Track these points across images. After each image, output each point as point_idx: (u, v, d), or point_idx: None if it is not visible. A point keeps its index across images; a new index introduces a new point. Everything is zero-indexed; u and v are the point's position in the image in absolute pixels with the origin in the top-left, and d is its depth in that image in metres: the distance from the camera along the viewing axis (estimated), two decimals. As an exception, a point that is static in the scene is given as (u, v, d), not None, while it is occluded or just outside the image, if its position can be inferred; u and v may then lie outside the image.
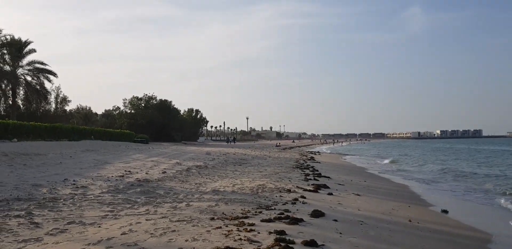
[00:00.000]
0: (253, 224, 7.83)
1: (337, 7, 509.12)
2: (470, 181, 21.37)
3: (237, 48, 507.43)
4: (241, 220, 8.21)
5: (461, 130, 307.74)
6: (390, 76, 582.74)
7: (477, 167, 31.56)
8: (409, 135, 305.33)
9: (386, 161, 39.44)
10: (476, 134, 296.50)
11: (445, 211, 11.61)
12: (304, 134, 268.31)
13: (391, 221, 9.49)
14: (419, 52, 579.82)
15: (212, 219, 8.26)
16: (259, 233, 7.15)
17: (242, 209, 9.28)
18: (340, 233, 7.69)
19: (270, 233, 7.20)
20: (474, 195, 15.85)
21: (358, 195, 13.38)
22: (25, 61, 45.74)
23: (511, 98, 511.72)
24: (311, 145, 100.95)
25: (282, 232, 7.21)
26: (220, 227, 7.48)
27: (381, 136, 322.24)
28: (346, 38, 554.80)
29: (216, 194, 11.26)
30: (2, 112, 46.67)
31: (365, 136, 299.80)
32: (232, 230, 7.23)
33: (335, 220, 8.77)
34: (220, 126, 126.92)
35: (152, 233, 6.95)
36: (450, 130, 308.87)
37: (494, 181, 20.72)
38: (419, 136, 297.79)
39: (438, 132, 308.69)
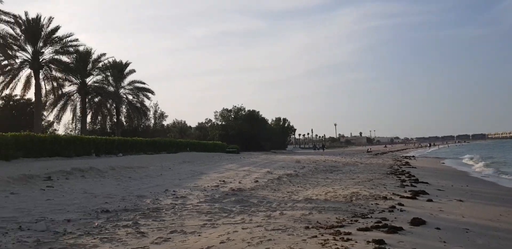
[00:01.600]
0: (349, 233, 7.68)
1: (424, 5, 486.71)
2: None
3: (322, 54, 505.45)
4: (336, 229, 8.10)
5: None
6: (486, 73, 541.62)
7: None
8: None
9: (487, 163, 36.50)
10: None
11: None
12: (397, 138, 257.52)
13: (500, 228, 8.75)
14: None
15: (307, 227, 8.24)
16: (356, 242, 6.99)
17: (336, 218, 9.15)
18: (444, 242, 7.25)
19: (368, 242, 7.01)
20: None
21: (461, 200, 12.52)
22: (126, 81, 49.68)
23: None
24: (405, 149, 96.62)
25: (381, 241, 6.98)
26: (316, 236, 7.44)
27: (481, 136, 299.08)
28: (436, 35, 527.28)
29: (309, 202, 11.22)
30: (109, 130, 50.87)
31: (463, 138, 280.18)
32: (328, 240, 7.15)
33: (438, 228, 8.29)
34: (308, 134, 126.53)
35: (249, 242, 7.10)
36: None
37: None
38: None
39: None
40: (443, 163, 38.37)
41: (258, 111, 66.64)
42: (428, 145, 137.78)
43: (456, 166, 34.50)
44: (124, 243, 7.09)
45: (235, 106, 65.35)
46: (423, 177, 20.25)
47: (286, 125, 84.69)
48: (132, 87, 49.74)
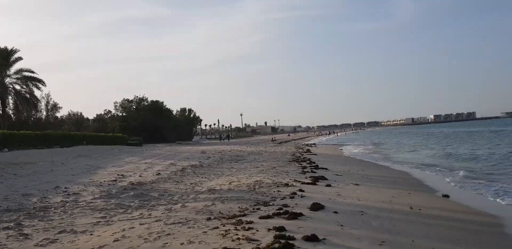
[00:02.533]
0: (251, 222, 7.57)
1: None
2: (470, 164, 21.24)
3: (226, 45, 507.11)
4: (238, 218, 7.95)
5: (454, 114, 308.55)
6: (380, 65, 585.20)
7: (477, 149, 31.47)
8: (403, 121, 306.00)
9: (382, 149, 39.38)
10: (470, 117, 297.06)
11: (447, 196, 11.40)
12: (299, 127, 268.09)
13: (393, 209, 9.25)
14: (408, 39, 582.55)
15: (209, 219, 7.99)
16: (257, 230, 6.89)
17: (239, 207, 9.01)
18: (341, 225, 7.44)
19: (269, 230, 6.94)
20: (475, 178, 15.66)
21: (357, 184, 13.15)
22: (12, 70, 45.23)
23: (503, 78, 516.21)
24: (307, 137, 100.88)
25: (281, 228, 6.94)
26: (217, 227, 7.21)
27: (375, 124, 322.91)
28: (335, 28, 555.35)
29: (212, 193, 10.98)
30: (-8, 123, 46.06)
31: (359, 125, 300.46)
32: (229, 230, 6.96)
33: (335, 212, 8.52)
34: (214, 124, 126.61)
35: (146, 238, 6.68)
36: (443, 114, 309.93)
37: (494, 163, 20.62)
38: (413, 122, 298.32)
39: (432, 116, 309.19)
40: (341, 150, 40.55)
41: (162, 102, 64.80)
42: (328, 132, 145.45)
43: (352, 152, 36.61)
44: (3, 247, 6.29)
45: (137, 96, 62.83)
46: (323, 163, 21.08)
47: (192, 116, 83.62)
48: (19, 76, 45.43)
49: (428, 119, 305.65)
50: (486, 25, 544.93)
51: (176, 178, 14.94)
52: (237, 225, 7.39)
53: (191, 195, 10.86)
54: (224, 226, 7.33)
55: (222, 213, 8.47)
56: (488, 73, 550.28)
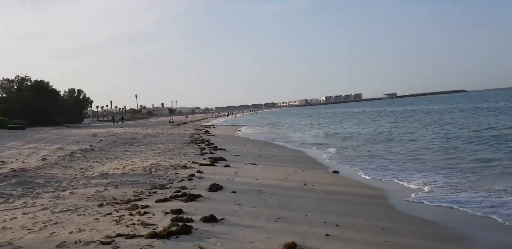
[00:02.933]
0: (147, 206, 7.31)
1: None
2: (357, 141, 22.83)
3: (119, 22, 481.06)
4: (133, 203, 7.62)
5: (343, 95, 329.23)
6: (277, 47, 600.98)
7: (362, 128, 33.91)
8: (298, 102, 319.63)
9: (278, 129, 40.77)
10: (357, 98, 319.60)
11: (337, 172, 12.10)
12: (198, 108, 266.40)
13: (288, 186, 9.58)
14: (303, 22, 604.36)
15: (101, 205, 7.56)
16: (154, 214, 6.66)
17: (134, 191, 8.66)
18: (240, 205, 7.50)
19: (166, 213, 6.75)
20: (362, 154, 16.85)
21: (255, 164, 13.40)
22: None
23: (386, 62, 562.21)
24: (205, 119, 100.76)
25: (179, 211, 6.80)
26: (110, 213, 6.84)
27: (272, 105, 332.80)
28: (235, 9, 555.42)
29: (104, 178, 10.41)
30: None
31: (257, 107, 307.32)
32: (124, 215, 6.64)
33: (234, 192, 8.58)
34: (107, 106, 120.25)
35: (30, 229, 6.13)
36: (334, 96, 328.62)
37: (377, 139, 22.40)
38: (307, 103, 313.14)
39: (324, 98, 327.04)
40: (239, 130, 41.13)
41: (47, 82, 59.73)
42: (227, 114, 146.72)
43: (251, 132, 37.33)
44: None
45: (18, 76, 57.12)
46: (221, 144, 21.17)
47: (81, 97, 78.35)
48: None
49: (320, 101, 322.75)
50: (363, 15, 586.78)
51: (64, 163, 13.94)
52: (132, 210, 7.08)
53: (81, 181, 10.19)
54: (117, 211, 6.98)
55: (115, 198, 8.06)
56: (375, 56, 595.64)
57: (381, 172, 12.01)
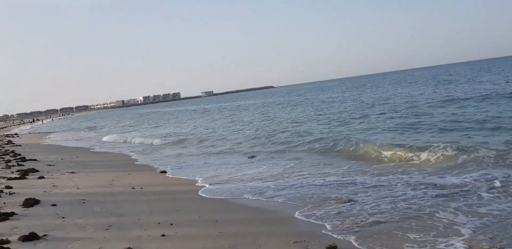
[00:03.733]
0: None
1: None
2: (182, 140, 23.09)
3: None
4: None
5: (162, 94, 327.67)
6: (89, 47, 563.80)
7: (179, 128, 34.37)
8: (114, 104, 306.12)
9: (94, 133, 38.47)
10: (176, 97, 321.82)
11: (164, 172, 12.08)
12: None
13: (115, 192, 9.22)
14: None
15: None
16: (-44, 242, 5.69)
17: None
18: (63, 218, 6.95)
19: (-28, 238, 5.83)
20: (192, 152, 17.14)
21: (73, 172, 12.48)
22: None
23: (202, 62, 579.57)
24: (5, 127, 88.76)
25: (-10, 234, 5.95)
26: None
27: (84, 108, 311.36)
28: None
29: None
30: None
31: (67, 110, 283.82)
32: None
33: (54, 205, 7.89)
34: None
35: None
36: (152, 95, 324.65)
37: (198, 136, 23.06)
38: (124, 104, 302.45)
39: (141, 98, 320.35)
40: (49, 137, 37.47)
41: None
42: (31, 120, 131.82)
43: (63, 139, 34.36)
44: None
45: None
46: (30, 154, 19.05)
47: None
48: None
49: (138, 101, 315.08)
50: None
51: None
52: None
53: None
54: None
55: None
56: (186, 55, 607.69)
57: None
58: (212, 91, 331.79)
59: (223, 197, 8.33)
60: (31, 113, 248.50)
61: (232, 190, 8.88)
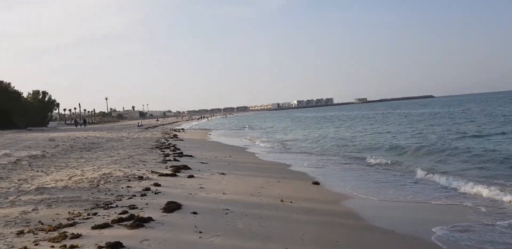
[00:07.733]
0: (78, 235, 5.60)
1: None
2: (339, 148, 21.49)
3: (91, 23, 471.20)
4: (63, 230, 5.91)
5: (315, 99, 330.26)
6: (248, 52, 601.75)
7: (339, 132, 32.73)
8: (270, 106, 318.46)
9: (250, 132, 39.15)
10: (328, 102, 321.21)
11: (317, 183, 10.55)
12: (169, 111, 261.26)
13: (261, 204, 7.98)
14: (275, 26, 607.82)
15: (20, 233, 5.81)
16: (82, 250, 4.97)
17: (70, 212, 6.91)
18: (200, 232, 5.87)
19: (100, 247, 5.07)
20: (344, 162, 15.46)
21: (223, 174, 11.74)
22: None
23: (357, 69, 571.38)
24: (176, 122, 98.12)
25: (116, 245, 5.12)
26: (26, 247, 5.11)
27: (244, 109, 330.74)
28: (209, 12, 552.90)
29: (39, 193, 8.57)
30: None
31: (229, 110, 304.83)
32: (40, 252, 4.93)
33: (195, 213, 6.94)
34: (75, 108, 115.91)
35: None
36: (305, 100, 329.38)
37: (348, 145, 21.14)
38: (279, 107, 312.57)
39: (295, 102, 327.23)
40: (210, 134, 39.33)
41: (9, 83, 56.45)
42: (198, 117, 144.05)
43: (222, 136, 35.61)
44: None
45: (-24, 76, 53.84)
46: (189, 149, 19.43)
47: (46, 99, 74.78)
48: None
49: (292, 105, 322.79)
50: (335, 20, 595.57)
51: (3, 172, 11.96)
52: (56, 241, 5.37)
53: (11, 197, 8.35)
54: (37, 244, 5.26)
55: (42, 223, 6.31)
56: (346, 62, 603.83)
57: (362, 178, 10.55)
58: (366, 98, 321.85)
59: (398, 230, 6.40)
60: (199, 111, 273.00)
61: (414, 221, 6.87)
